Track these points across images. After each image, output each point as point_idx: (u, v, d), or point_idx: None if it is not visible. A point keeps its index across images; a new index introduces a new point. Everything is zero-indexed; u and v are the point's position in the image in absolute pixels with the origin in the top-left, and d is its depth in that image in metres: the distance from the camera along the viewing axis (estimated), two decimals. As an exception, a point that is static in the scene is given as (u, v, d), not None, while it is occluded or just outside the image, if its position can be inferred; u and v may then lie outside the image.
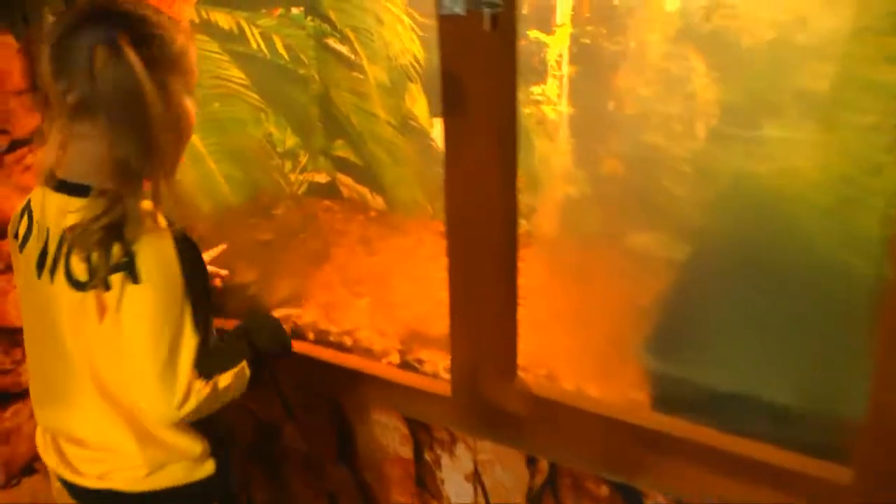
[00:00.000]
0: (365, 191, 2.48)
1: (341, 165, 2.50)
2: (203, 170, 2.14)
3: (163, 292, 1.23)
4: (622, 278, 1.98)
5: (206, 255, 1.74)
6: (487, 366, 1.58)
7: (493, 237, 1.48)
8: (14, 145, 1.75)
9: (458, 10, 1.30)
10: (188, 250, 1.30)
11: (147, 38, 1.22)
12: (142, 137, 1.22)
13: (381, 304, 1.99)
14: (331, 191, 2.54)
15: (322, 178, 2.54)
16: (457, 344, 1.61)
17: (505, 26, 1.30)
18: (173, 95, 1.27)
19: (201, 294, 1.30)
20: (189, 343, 1.26)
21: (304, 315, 1.91)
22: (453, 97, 1.39)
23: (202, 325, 1.29)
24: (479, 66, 1.33)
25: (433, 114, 2.28)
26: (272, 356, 1.53)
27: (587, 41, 2.10)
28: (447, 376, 1.69)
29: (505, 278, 1.52)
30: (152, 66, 1.21)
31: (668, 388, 1.67)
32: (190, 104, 1.34)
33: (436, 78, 2.33)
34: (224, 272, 1.76)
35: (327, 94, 2.43)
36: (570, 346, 1.86)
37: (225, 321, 1.64)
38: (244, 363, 1.39)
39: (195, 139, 2.10)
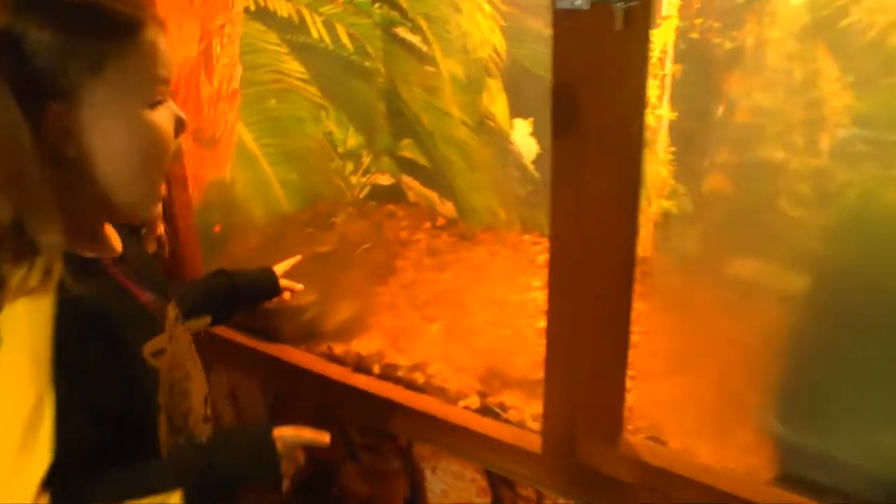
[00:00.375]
0: (433, 195, 2.24)
1: (407, 167, 2.26)
2: (256, 173, 1.91)
3: (9, 368, 0.85)
4: (727, 312, 1.72)
5: (279, 268, 1.56)
6: (587, 422, 1.33)
7: (606, 274, 1.23)
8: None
9: (581, 3, 1.04)
10: (77, 323, 0.89)
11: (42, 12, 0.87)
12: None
13: (454, 331, 1.75)
14: (395, 195, 2.30)
15: (386, 181, 2.30)
16: (551, 394, 1.36)
17: (638, 24, 1.04)
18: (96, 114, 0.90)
19: (83, 385, 0.89)
20: (39, 448, 0.84)
21: (368, 343, 1.68)
22: (567, 112, 1.13)
23: (81, 425, 0.88)
24: (603, 75, 1.07)
25: (514, 114, 2.03)
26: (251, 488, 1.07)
27: (695, 36, 1.82)
28: (535, 426, 1.45)
29: (616, 323, 1.26)
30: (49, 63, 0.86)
31: (794, 458, 1.41)
32: (152, 119, 0.94)
33: (519, 74, 2.08)
34: (298, 286, 1.56)
35: (395, 89, 2.18)
36: (673, 393, 1.60)
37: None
38: (177, 497, 0.94)
39: (248, 139, 1.88)
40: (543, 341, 1.70)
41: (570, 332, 1.31)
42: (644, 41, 1.05)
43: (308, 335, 1.70)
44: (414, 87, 2.14)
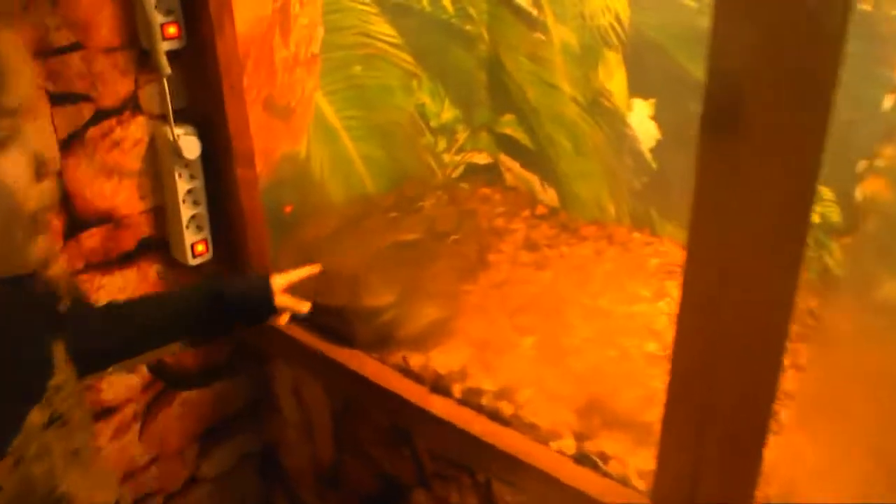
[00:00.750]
0: (534, 179, 1.96)
1: (507, 146, 1.99)
2: (336, 148, 1.68)
3: None
4: (878, 346, 1.40)
5: (280, 280, 1.32)
6: (712, 487, 1.06)
7: (759, 305, 0.94)
8: (99, 115, 1.34)
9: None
10: None
11: None
12: None
13: (550, 347, 1.50)
14: (491, 175, 2.03)
15: (482, 160, 2.04)
16: (668, 446, 1.09)
17: (836, -6, 0.74)
18: None
19: None
20: None
21: (450, 356, 1.44)
22: (725, 106, 0.84)
23: None
24: (781, 59, 0.78)
25: (633, 93, 1.73)
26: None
27: (867, 8, 1.48)
28: (642, 485, 1.18)
29: (763, 370, 0.98)
30: None
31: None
32: None
33: (642, 47, 1.76)
34: (303, 307, 1.33)
35: (498, 57, 1.91)
36: (813, 448, 1.31)
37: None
38: None
39: (328, 110, 1.64)
40: (654, 370, 1.43)
41: (701, 369, 1.03)
42: (843, 15, 0.76)
43: (382, 341, 1.46)
44: (520, 56, 1.86)
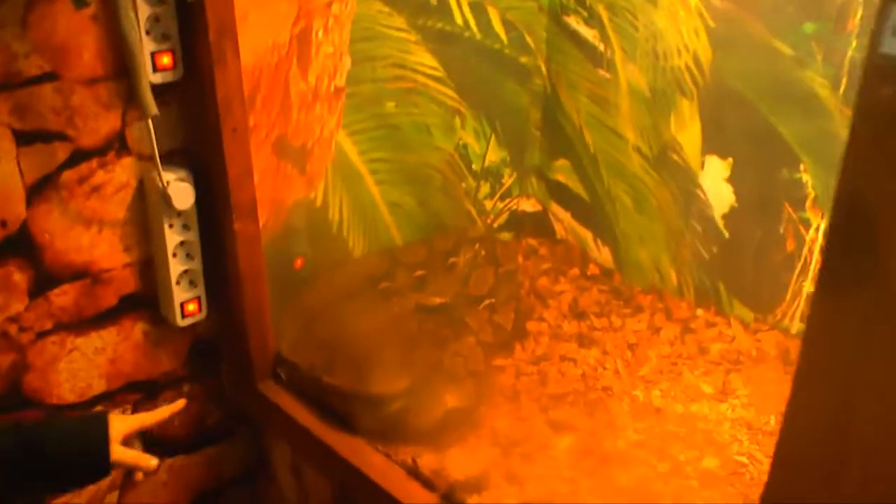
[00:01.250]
0: (587, 235, 1.71)
1: (559, 194, 1.73)
2: (359, 195, 1.45)
3: None
4: None
5: (121, 425, 1.01)
6: None
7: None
8: (77, 157, 1.14)
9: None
10: None
11: None
12: None
13: (590, 454, 1.25)
14: (539, 226, 1.78)
15: (529, 207, 1.79)
16: None
17: None
18: None
19: None
20: None
21: (469, 458, 1.20)
22: (856, 241, 0.58)
23: None
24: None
25: (707, 149, 1.46)
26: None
27: None
28: None
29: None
30: None
31: None
32: None
33: (723, 97, 1.47)
34: (150, 463, 1.03)
35: (555, 94, 1.65)
36: None
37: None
38: None
39: (351, 151, 1.42)
40: (711, 494, 1.18)
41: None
42: None
43: (390, 433, 1.24)
44: (580, 94, 1.61)
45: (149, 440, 1.38)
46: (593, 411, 1.33)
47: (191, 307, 1.29)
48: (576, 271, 1.71)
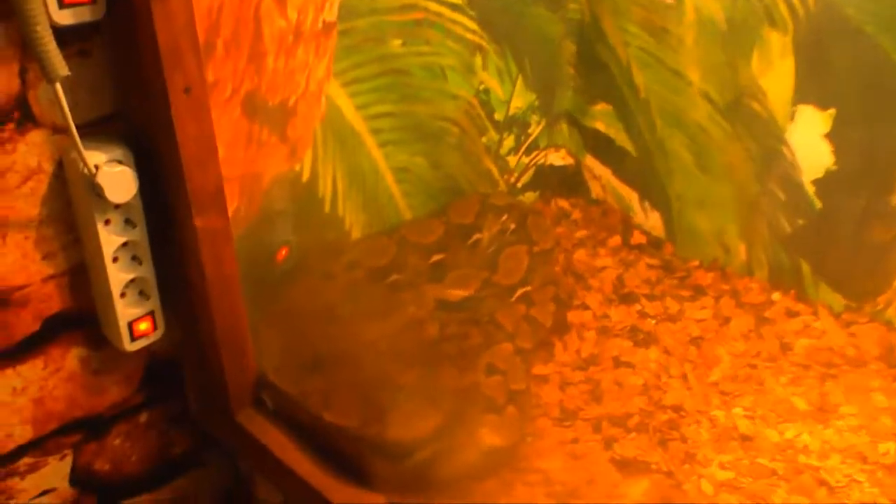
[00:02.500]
0: (631, 196, 1.36)
1: (597, 146, 1.37)
2: (357, 163, 1.08)
3: None
4: None
5: None
6: None
7: None
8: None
9: None
10: None
11: None
12: None
13: (671, 499, 0.95)
14: (570, 184, 1.43)
15: (558, 160, 1.43)
16: None
17: None
18: None
19: None
20: None
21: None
22: None
23: None
24: None
25: (801, 97, 1.11)
26: None
27: None
28: None
29: None
30: None
31: None
32: None
33: (830, 28, 1.02)
34: None
35: (596, 22, 1.28)
36: None
37: None
38: None
39: (345, 106, 1.04)
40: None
41: None
42: None
43: (415, 487, 0.92)
44: (629, 24, 1.23)
45: (98, 484, 1.06)
46: (666, 440, 1.02)
47: (142, 326, 0.94)
48: (617, 240, 1.36)
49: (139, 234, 0.89)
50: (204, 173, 0.85)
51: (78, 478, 1.02)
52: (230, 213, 0.92)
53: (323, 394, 0.96)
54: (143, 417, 1.05)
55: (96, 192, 0.82)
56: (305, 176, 1.02)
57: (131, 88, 0.84)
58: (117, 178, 0.83)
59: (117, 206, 0.86)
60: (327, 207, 1.07)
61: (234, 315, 0.96)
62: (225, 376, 0.99)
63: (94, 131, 0.83)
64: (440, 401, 0.94)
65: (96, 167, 0.81)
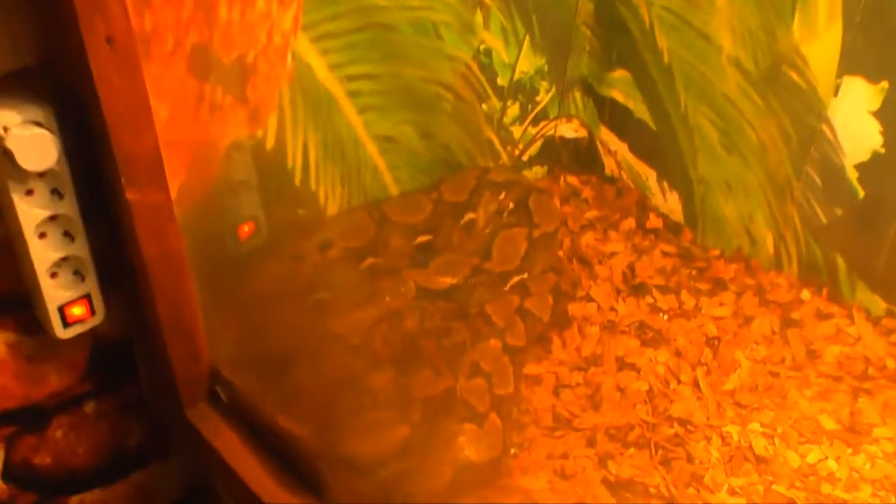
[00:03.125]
0: (649, 175, 1.21)
1: (613, 117, 1.22)
2: (334, 129, 0.94)
3: None
4: None
5: None
6: None
7: None
8: None
9: None
10: None
11: None
12: None
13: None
14: (581, 159, 1.28)
15: (570, 132, 1.28)
16: None
17: None
18: None
19: None
20: None
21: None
22: None
23: None
24: None
25: (848, 67, 0.94)
26: None
27: None
28: None
29: None
30: None
31: None
32: None
33: None
34: None
35: (616, -23, 1.12)
36: None
37: None
38: None
39: (318, 65, 0.89)
40: None
41: None
42: None
43: (374, 505, 0.80)
44: (654, -21, 1.07)
45: (39, 479, 0.95)
46: (669, 459, 0.89)
47: (76, 311, 0.81)
48: (631, 223, 1.21)
49: (69, 207, 0.77)
50: (136, 138, 0.72)
51: (13, 473, 0.91)
52: (177, 185, 0.79)
53: (280, 394, 0.84)
54: (89, 407, 0.94)
55: (8, 157, 0.70)
56: (270, 143, 0.89)
57: (52, 36, 0.71)
58: (32, 142, 0.70)
59: (42, 175, 0.74)
60: (298, 179, 0.93)
61: (181, 300, 0.84)
62: (173, 368, 0.87)
63: (8, 86, 0.71)
64: (411, 408, 0.81)
65: (5, 129, 0.69)
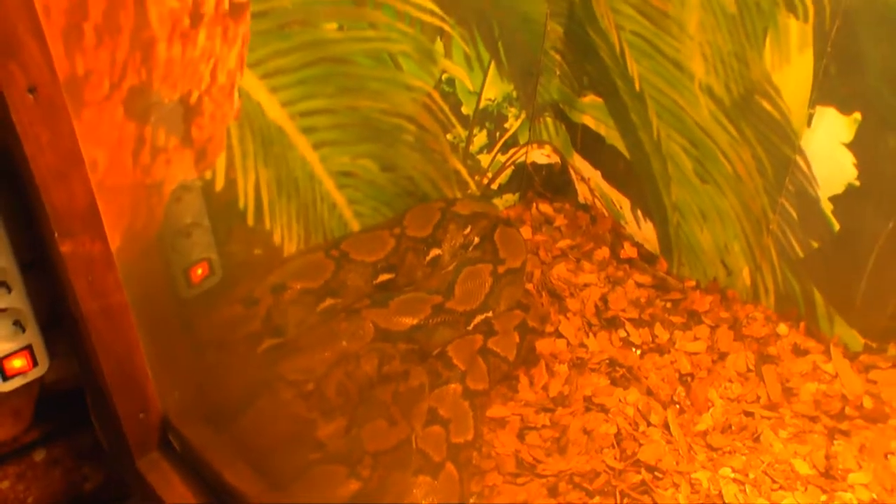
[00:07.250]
0: (623, 203, 1.18)
1: (586, 144, 1.19)
2: (287, 167, 0.91)
3: None
4: None
5: None
6: None
7: None
8: None
9: None
10: None
11: None
12: None
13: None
14: (553, 186, 1.25)
15: (542, 158, 1.25)
16: None
17: None
18: None
19: None
20: None
21: None
22: None
23: None
24: None
25: (821, 97, 0.91)
26: None
27: None
28: None
29: None
30: None
31: None
32: None
33: (860, 18, 0.82)
34: None
35: (586, 2, 1.09)
36: None
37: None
38: None
39: (268, 103, 0.86)
40: None
41: None
42: None
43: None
44: (624, 4, 1.04)
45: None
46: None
47: (16, 363, 0.79)
48: (605, 252, 1.18)
49: (5, 260, 0.74)
50: (66, 188, 0.69)
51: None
52: (120, 232, 0.77)
53: (229, 446, 0.81)
54: (39, 455, 0.91)
55: (-69, 210, 0.67)
56: (220, 183, 0.86)
57: (-25, 86, 0.69)
58: (-45, 194, 0.67)
59: (-32, 225, 0.71)
60: (251, 219, 0.91)
61: (126, 352, 0.80)
62: (119, 419, 0.85)
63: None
64: (362, 462, 0.78)
65: (-74, 181, 0.66)
